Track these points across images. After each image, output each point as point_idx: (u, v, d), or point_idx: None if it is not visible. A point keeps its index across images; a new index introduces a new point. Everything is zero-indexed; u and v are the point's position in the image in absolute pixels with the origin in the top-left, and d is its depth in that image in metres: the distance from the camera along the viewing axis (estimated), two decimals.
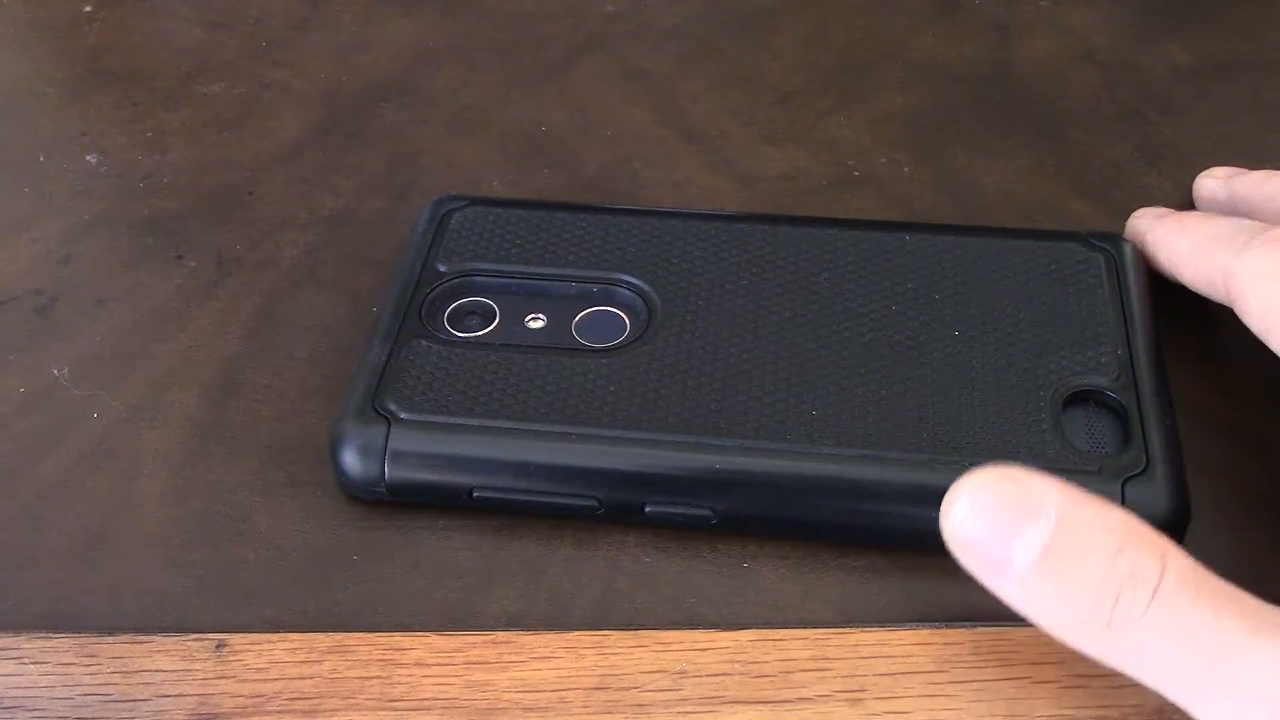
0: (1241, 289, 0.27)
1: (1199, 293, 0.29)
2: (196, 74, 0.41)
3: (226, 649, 0.25)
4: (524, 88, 0.40)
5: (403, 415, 0.27)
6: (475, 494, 0.27)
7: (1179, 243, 0.30)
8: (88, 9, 0.44)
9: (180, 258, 0.35)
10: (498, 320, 0.30)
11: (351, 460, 0.27)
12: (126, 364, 0.31)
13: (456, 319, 0.30)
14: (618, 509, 0.27)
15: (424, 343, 0.29)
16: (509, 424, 0.27)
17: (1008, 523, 0.23)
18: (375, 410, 0.27)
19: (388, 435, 0.27)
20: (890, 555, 0.27)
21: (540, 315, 0.30)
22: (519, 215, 0.32)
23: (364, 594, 0.26)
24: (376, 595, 0.26)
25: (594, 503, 0.27)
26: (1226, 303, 0.28)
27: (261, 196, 0.36)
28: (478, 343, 0.29)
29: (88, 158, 0.38)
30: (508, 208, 0.33)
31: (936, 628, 0.26)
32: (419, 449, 0.27)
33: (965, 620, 0.25)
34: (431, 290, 0.30)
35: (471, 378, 0.28)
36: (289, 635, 0.26)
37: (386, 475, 0.27)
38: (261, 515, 0.28)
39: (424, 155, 0.38)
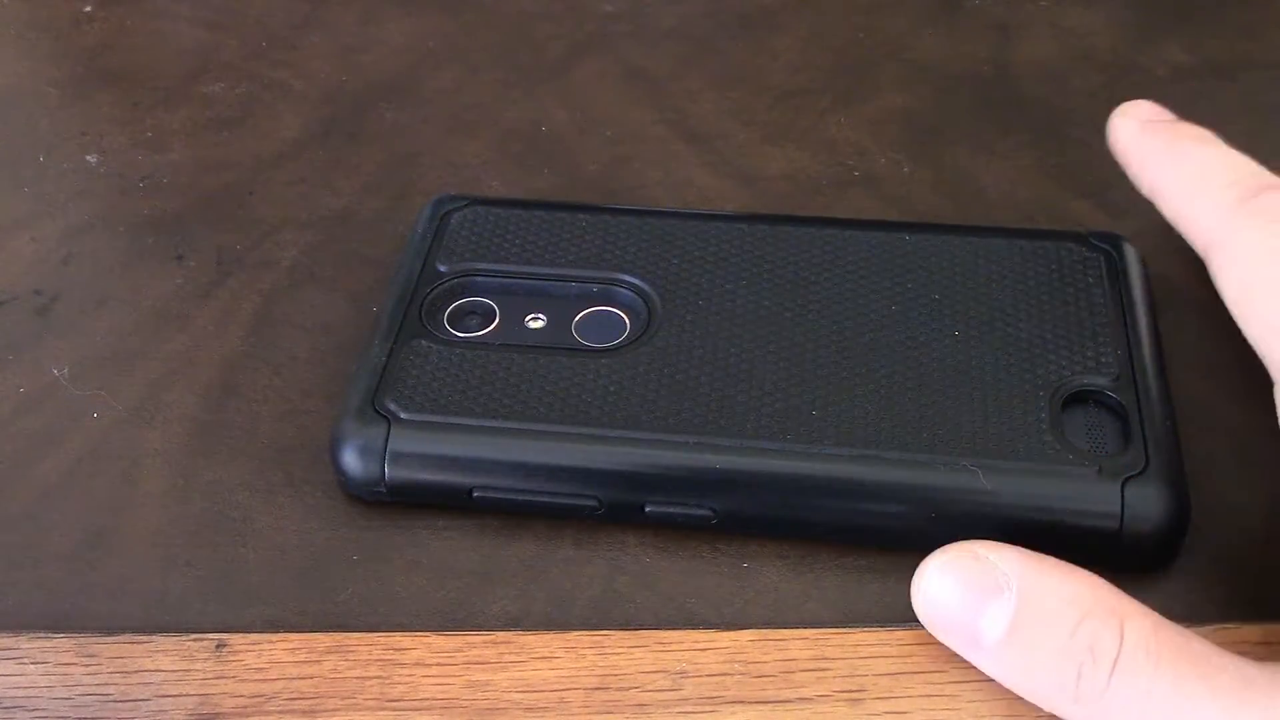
0: (1221, 263, 0.26)
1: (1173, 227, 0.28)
2: (196, 74, 0.41)
3: (226, 649, 0.25)
4: (524, 88, 0.40)
5: (403, 415, 0.27)
6: (475, 494, 0.27)
7: (1164, 171, 0.28)
8: (88, 9, 0.44)
9: (180, 258, 0.35)
10: (498, 320, 0.30)
11: (351, 460, 0.27)
12: (126, 364, 0.31)
13: (456, 319, 0.30)
14: (618, 509, 0.27)
15: (424, 343, 0.29)
16: (509, 424, 0.27)
17: (973, 601, 0.24)
18: (375, 410, 0.27)
19: (388, 435, 0.27)
20: (890, 555, 0.27)
21: (540, 315, 0.30)
22: (519, 215, 0.32)
23: (364, 594, 0.26)
24: (376, 595, 0.26)
25: (594, 503, 0.27)
26: (1200, 254, 0.26)
27: (261, 196, 0.36)
28: (478, 343, 0.29)
29: (88, 158, 0.38)
30: (508, 208, 0.33)
31: None
32: (419, 449, 0.27)
33: None
34: (431, 290, 0.30)
35: (471, 378, 0.28)
36: (289, 635, 0.26)
37: (386, 475, 0.27)
38: (261, 515, 0.28)
39: (424, 155, 0.38)
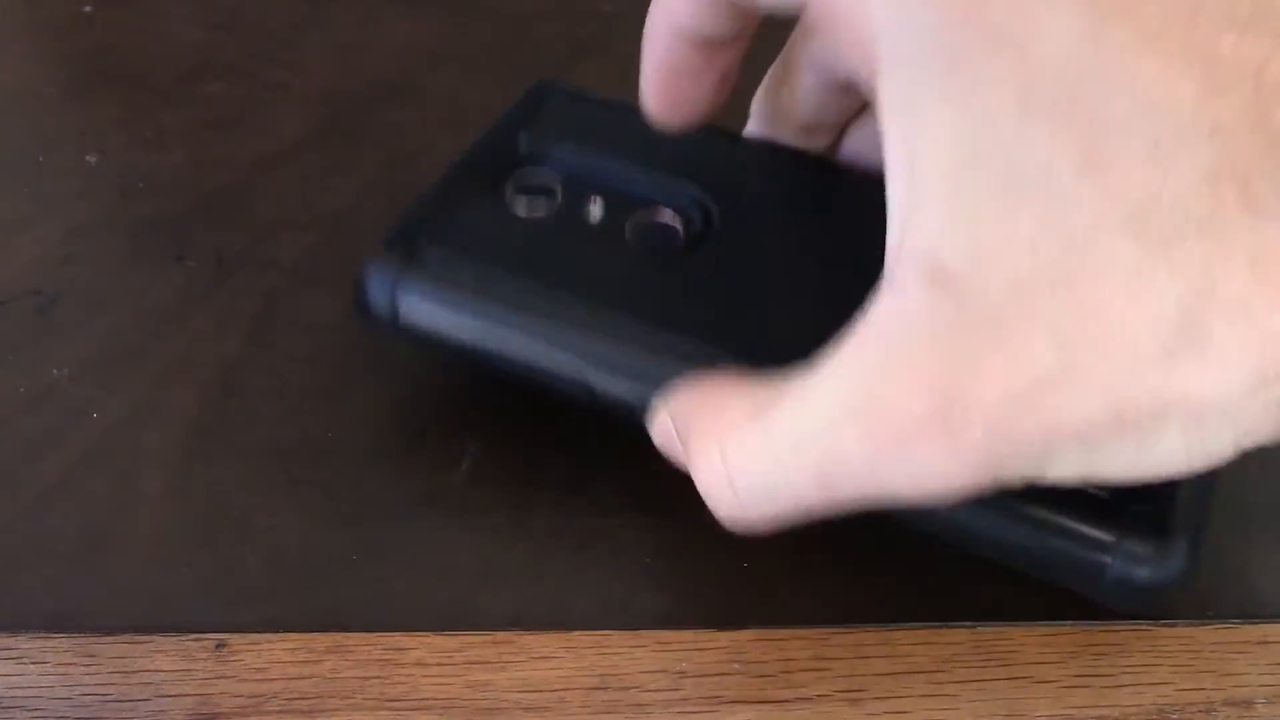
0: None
1: None
2: (196, 74, 0.41)
3: (226, 649, 0.25)
4: (524, 88, 0.40)
5: (429, 254, 0.28)
6: (478, 347, 0.27)
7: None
8: (88, 9, 0.44)
9: (180, 258, 0.34)
10: (557, 202, 0.30)
11: (371, 288, 0.28)
12: (126, 364, 0.31)
13: (518, 192, 0.30)
14: (609, 403, 0.27)
15: (478, 199, 0.29)
16: (526, 284, 0.27)
17: None
18: (406, 244, 0.28)
19: (408, 268, 0.28)
20: (890, 555, 0.27)
21: (599, 207, 0.30)
22: (607, 111, 0.32)
23: (364, 594, 0.27)
24: (376, 595, 0.26)
25: (587, 390, 0.27)
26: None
27: (261, 196, 0.36)
28: (528, 217, 0.29)
29: (88, 158, 0.38)
30: (599, 105, 0.33)
31: (936, 628, 0.26)
32: (435, 289, 0.28)
33: (965, 620, 0.25)
34: (503, 159, 0.31)
35: (509, 242, 0.28)
36: (289, 635, 0.26)
37: (399, 310, 0.28)
38: (261, 515, 0.28)
39: (424, 155, 0.38)
